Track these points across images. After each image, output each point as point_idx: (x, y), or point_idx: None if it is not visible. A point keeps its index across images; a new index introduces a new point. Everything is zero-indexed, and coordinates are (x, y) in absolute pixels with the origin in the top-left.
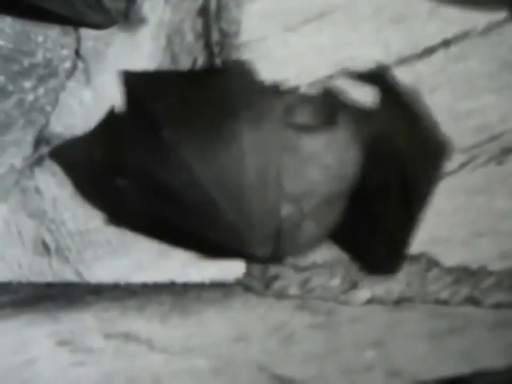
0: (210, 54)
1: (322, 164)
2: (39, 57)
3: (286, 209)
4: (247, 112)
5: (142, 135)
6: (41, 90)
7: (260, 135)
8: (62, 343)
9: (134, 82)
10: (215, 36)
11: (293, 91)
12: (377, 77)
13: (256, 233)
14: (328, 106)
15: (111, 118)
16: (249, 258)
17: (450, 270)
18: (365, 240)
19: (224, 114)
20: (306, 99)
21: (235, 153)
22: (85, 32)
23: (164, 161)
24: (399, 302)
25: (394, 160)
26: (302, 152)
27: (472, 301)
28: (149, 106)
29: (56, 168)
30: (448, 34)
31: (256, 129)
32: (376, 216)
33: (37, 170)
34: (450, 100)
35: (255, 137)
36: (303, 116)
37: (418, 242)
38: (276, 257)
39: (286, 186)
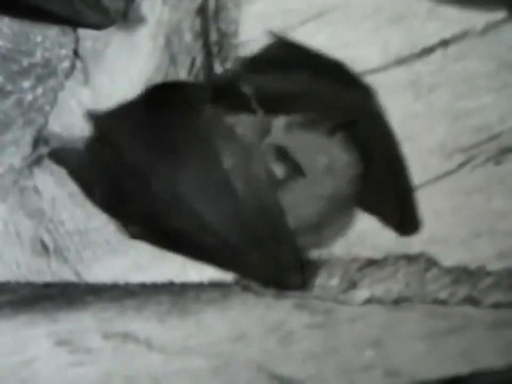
0: (208, 54)
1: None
2: (38, 57)
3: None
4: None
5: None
6: (39, 90)
7: (248, 177)
8: (60, 343)
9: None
10: (213, 36)
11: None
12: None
13: (282, 270)
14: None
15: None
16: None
17: (449, 270)
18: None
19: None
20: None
21: (227, 195)
22: (84, 32)
23: (175, 209)
24: (398, 301)
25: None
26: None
27: (471, 300)
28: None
29: (54, 168)
30: (447, 34)
31: (244, 169)
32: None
33: (36, 170)
34: (449, 99)
35: (244, 176)
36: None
37: (417, 242)
38: (304, 283)
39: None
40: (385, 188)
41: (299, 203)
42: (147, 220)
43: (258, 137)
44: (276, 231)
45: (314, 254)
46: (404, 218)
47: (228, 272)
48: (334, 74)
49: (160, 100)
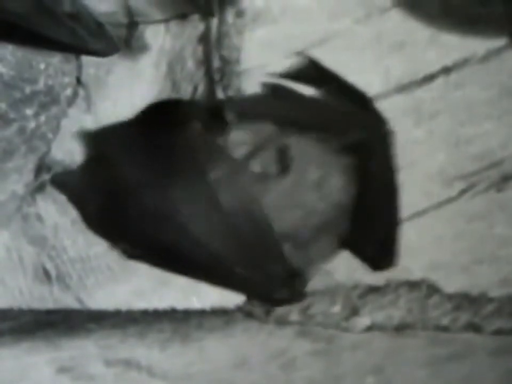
0: (211, 81)
1: (304, 199)
2: (41, 84)
3: (287, 250)
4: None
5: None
6: (42, 118)
7: (235, 191)
8: (62, 370)
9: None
10: (216, 63)
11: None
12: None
13: (269, 282)
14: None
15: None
16: (271, 302)
17: (450, 297)
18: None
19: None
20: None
21: (216, 209)
22: (87, 60)
23: (166, 226)
24: (399, 328)
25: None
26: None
27: (472, 327)
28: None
29: (57, 195)
30: (448, 61)
31: (231, 184)
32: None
33: (38, 197)
34: (450, 126)
35: (231, 196)
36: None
37: (419, 269)
38: (295, 295)
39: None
40: (370, 220)
41: (284, 208)
42: (140, 238)
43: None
44: (265, 245)
45: (315, 280)
46: (380, 253)
47: (219, 287)
48: (353, 97)
49: (153, 118)
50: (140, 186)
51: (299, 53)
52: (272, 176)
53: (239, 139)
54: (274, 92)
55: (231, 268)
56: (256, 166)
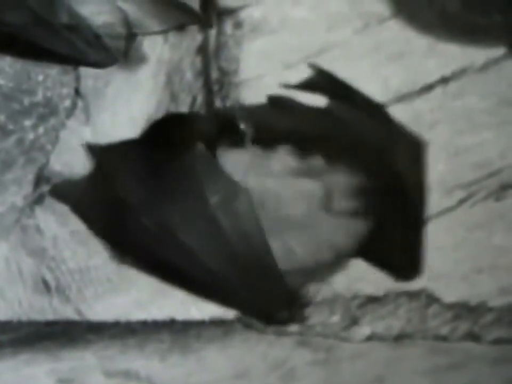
0: (209, 92)
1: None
2: (39, 96)
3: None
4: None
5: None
6: (41, 129)
7: (235, 214)
8: (62, 381)
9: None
10: (214, 74)
11: None
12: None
13: (270, 305)
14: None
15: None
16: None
17: (450, 306)
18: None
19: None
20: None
21: (215, 231)
22: (85, 71)
23: (165, 244)
24: (399, 338)
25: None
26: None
27: (472, 337)
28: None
29: (56, 207)
30: (447, 70)
31: (230, 206)
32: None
33: (37, 209)
34: (449, 136)
35: (231, 219)
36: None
37: (418, 278)
38: (294, 317)
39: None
40: (396, 236)
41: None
42: (140, 252)
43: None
44: (263, 267)
45: (314, 291)
46: (407, 265)
47: (218, 305)
48: (371, 112)
49: (157, 134)
50: (142, 203)
51: (311, 65)
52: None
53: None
54: (287, 107)
55: (231, 289)
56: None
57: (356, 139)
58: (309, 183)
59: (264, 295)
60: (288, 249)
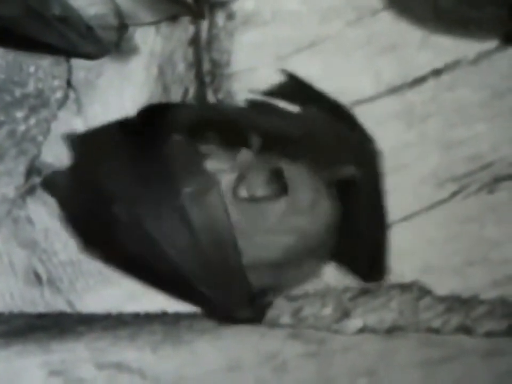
0: (201, 84)
1: (288, 228)
2: (31, 87)
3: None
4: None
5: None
6: (32, 121)
7: (205, 207)
8: (54, 373)
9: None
10: (206, 66)
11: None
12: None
13: (232, 304)
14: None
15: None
16: (230, 321)
17: (442, 299)
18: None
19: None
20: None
21: (184, 224)
22: (77, 62)
23: (129, 234)
24: (391, 330)
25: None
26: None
27: (464, 329)
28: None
29: (47, 198)
30: (439, 63)
31: (202, 203)
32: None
33: (29, 200)
34: (442, 128)
35: (201, 212)
36: (255, 187)
37: (410, 271)
38: (256, 316)
39: (249, 253)
40: (359, 237)
41: (270, 231)
42: (107, 242)
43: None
44: (228, 263)
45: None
46: (371, 268)
47: (180, 301)
48: (338, 116)
49: (141, 123)
50: (115, 192)
51: (283, 71)
52: (265, 199)
53: (222, 162)
54: (259, 108)
55: (193, 284)
56: (243, 191)
57: (320, 139)
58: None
59: (226, 293)
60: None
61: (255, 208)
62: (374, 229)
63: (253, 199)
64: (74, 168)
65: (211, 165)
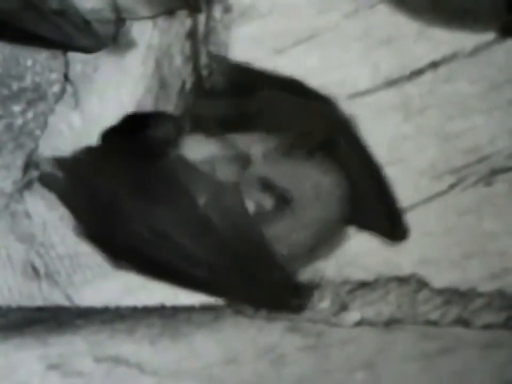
0: (199, 77)
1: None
2: (28, 81)
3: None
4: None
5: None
6: (30, 114)
7: (224, 211)
8: (52, 366)
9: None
10: (203, 59)
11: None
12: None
13: (277, 294)
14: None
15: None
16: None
17: (440, 291)
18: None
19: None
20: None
21: (209, 229)
22: (74, 56)
23: (158, 245)
24: (389, 323)
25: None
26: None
27: (462, 322)
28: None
29: (45, 192)
30: (437, 55)
31: (219, 204)
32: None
33: (26, 194)
34: (439, 121)
35: (220, 211)
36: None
37: (408, 264)
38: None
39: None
40: (369, 197)
41: (290, 232)
42: (130, 253)
43: (237, 172)
44: (262, 257)
45: (305, 276)
46: (392, 225)
47: (221, 299)
48: (292, 90)
49: (130, 137)
50: (126, 209)
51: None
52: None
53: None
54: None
55: (228, 281)
56: (250, 203)
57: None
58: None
59: (269, 285)
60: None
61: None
62: (376, 185)
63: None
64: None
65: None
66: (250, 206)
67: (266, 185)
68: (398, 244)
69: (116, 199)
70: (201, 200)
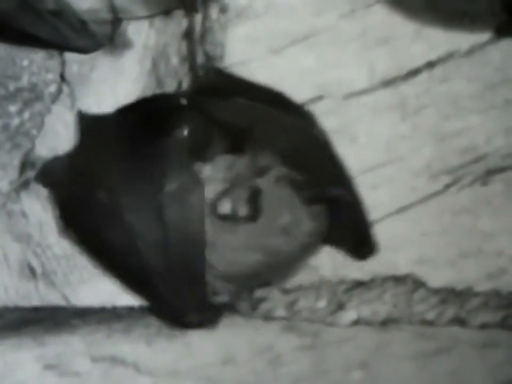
0: (195, 77)
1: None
2: (25, 81)
3: (219, 285)
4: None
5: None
6: (26, 114)
7: (183, 207)
8: (49, 366)
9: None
10: (200, 59)
11: None
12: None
13: (186, 307)
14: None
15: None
16: (180, 323)
17: (436, 291)
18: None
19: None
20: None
21: (159, 221)
22: (70, 56)
23: (107, 222)
24: (385, 323)
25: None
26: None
27: (458, 321)
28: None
29: (41, 192)
30: (433, 55)
31: (181, 202)
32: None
33: (23, 194)
34: (435, 120)
35: (178, 211)
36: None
37: (405, 263)
38: (206, 322)
39: (218, 266)
40: (338, 215)
41: (242, 248)
42: (85, 226)
43: (245, 176)
44: (191, 267)
45: (301, 276)
46: (359, 242)
47: (139, 297)
48: (275, 102)
49: (142, 113)
50: (103, 179)
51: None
52: (241, 218)
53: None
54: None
55: (154, 282)
56: (226, 206)
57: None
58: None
59: (181, 296)
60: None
61: (231, 224)
62: (346, 204)
63: (231, 217)
64: (75, 151)
65: (208, 170)
66: (227, 206)
67: (254, 195)
68: (365, 260)
69: (102, 167)
70: (169, 187)
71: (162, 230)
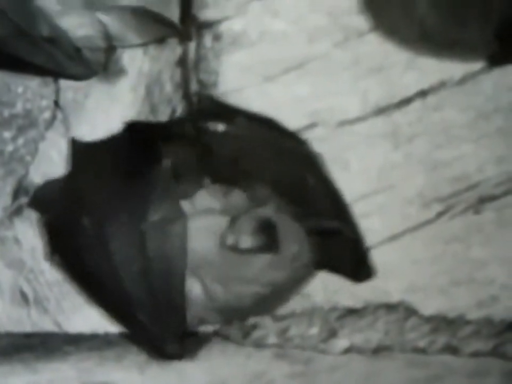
0: (189, 105)
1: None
2: (19, 107)
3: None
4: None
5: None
6: (20, 141)
7: (165, 238)
8: None
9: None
10: (193, 87)
11: None
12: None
13: (163, 337)
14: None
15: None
16: (158, 352)
17: (428, 319)
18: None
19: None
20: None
21: (142, 250)
22: (65, 83)
23: (91, 249)
24: (377, 350)
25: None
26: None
27: (450, 349)
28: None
29: (34, 218)
30: (425, 84)
31: (164, 233)
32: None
33: (16, 221)
34: (428, 149)
35: (160, 242)
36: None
37: (397, 291)
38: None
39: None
40: (334, 238)
41: (247, 281)
42: (70, 253)
43: (247, 207)
44: (171, 297)
45: (293, 303)
46: (356, 266)
47: (119, 325)
48: (269, 130)
49: (135, 139)
50: (91, 206)
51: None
52: (251, 252)
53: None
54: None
55: (135, 311)
56: (231, 238)
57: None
58: (214, 219)
59: (161, 326)
60: (207, 287)
61: (238, 256)
62: (341, 226)
63: (239, 250)
64: (66, 177)
65: (202, 200)
66: (232, 239)
67: (265, 226)
68: (361, 282)
69: (89, 193)
70: (152, 218)
71: (144, 259)
